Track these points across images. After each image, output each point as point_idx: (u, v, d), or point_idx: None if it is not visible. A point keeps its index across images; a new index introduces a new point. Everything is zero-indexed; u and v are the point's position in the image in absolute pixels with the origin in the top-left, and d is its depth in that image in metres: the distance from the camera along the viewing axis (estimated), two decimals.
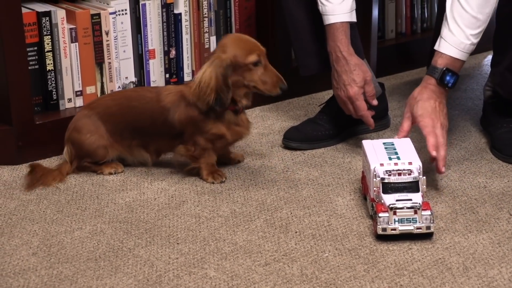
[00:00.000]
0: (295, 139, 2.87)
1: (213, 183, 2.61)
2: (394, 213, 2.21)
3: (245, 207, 2.47)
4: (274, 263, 2.18)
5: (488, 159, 2.74)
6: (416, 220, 2.22)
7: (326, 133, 2.89)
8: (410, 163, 2.30)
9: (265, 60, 2.54)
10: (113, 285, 2.09)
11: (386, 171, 2.27)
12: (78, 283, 2.11)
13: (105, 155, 2.66)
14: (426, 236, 2.24)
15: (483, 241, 2.26)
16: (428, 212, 2.22)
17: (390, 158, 2.32)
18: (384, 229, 2.21)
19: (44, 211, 2.47)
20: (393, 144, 2.42)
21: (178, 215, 2.43)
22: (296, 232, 2.33)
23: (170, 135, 2.62)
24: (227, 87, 2.50)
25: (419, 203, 2.22)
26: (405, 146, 2.41)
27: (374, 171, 2.28)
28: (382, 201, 2.24)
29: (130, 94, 2.70)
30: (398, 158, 2.33)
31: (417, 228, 2.22)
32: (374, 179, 2.28)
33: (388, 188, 2.26)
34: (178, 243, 2.28)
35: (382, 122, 2.99)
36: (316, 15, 2.78)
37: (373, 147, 2.40)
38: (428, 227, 2.23)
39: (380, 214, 2.21)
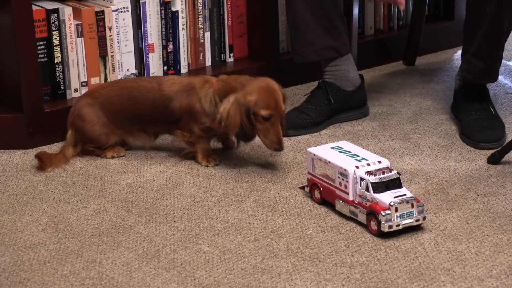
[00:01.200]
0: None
1: (207, 166, 2.60)
2: (396, 210, 2.15)
3: (236, 188, 2.47)
4: (263, 239, 2.18)
5: (458, 144, 2.74)
6: (413, 213, 2.17)
7: (311, 121, 2.89)
8: (379, 162, 2.25)
9: (276, 119, 2.47)
10: (115, 259, 2.09)
11: (367, 172, 2.21)
12: (84, 256, 2.11)
13: (107, 140, 2.65)
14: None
15: (453, 219, 2.27)
16: (420, 203, 2.18)
17: (359, 160, 2.26)
18: (390, 226, 2.14)
19: (52, 191, 2.47)
20: (342, 147, 2.35)
21: (175, 195, 2.43)
22: (282, 211, 2.33)
23: (168, 122, 2.61)
24: (252, 124, 2.47)
25: (413, 197, 2.18)
26: (353, 148, 2.35)
27: (355, 174, 2.22)
28: (377, 200, 2.17)
29: (130, 85, 2.68)
30: (364, 159, 2.27)
31: (416, 220, 2.18)
32: (358, 182, 2.21)
33: (377, 187, 2.19)
34: (174, 221, 2.28)
35: (361, 111, 2.99)
36: (314, 8, 2.81)
37: (327, 153, 2.32)
38: (424, 218, 2.18)
39: (383, 213, 2.14)
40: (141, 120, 2.63)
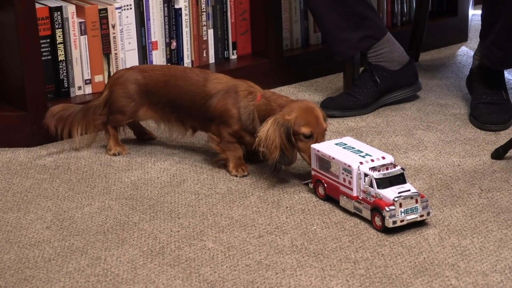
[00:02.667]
0: (330, 108, 2.94)
1: (236, 176, 2.52)
2: (400, 205, 2.14)
3: (240, 185, 2.47)
4: (267, 235, 2.18)
5: (462, 140, 2.74)
6: (418, 208, 2.17)
7: (357, 103, 2.95)
8: (383, 158, 2.25)
9: (319, 137, 2.39)
10: (120, 256, 2.10)
11: (371, 168, 2.21)
12: (88, 253, 2.11)
13: (133, 118, 2.65)
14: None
15: (457, 214, 2.27)
16: (425, 199, 2.18)
17: (363, 156, 2.26)
18: (394, 222, 2.14)
19: (56, 189, 2.47)
20: (346, 143, 2.35)
21: (179, 192, 2.43)
22: (287, 207, 2.33)
23: (204, 119, 2.56)
24: (292, 145, 2.40)
25: (418, 192, 2.18)
26: (357, 144, 2.35)
27: (359, 170, 2.22)
28: (381, 196, 2.17)
29: (179, 73, 2.61)
30: (368, 154, 2.27)
31: (420, 216, 2.17)
32: (362, 178, 2.21)
33: (381, 183, 2.18)
34: (179, 218, 2.28)
35: (412, 88, 3.06)
36: (338, 8, 2.89)
37: (331, 149, 2.32)
38: (428, 213, 2.18)
39: (387, 208, 2.13)
40: (180, 110, 2.59)
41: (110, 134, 2.68)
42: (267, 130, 2.39)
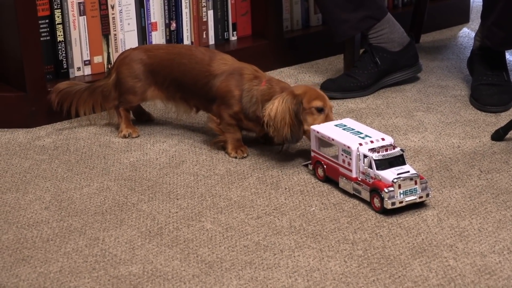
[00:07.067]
0: (330, 89, 2.93)
1: (235, 157, 2.52)
2: (399, 187, 2.15)
3: (239, 166, 2.47)
4: (265, 216, 2.19)
5: (462, 122, 2.74)
6: (417, 190, 2.17)
7: (358, 84, 2.95)
8: (383, 139, 2.26)
9: (329, 111, 2.41)
10: (118, 236, 2.10)
11: (370, 149, 2.21)
12: (87, 234, 2.12)
13: (141, 99, 2.67)
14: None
15: (456, 195, 2.27)
16: (424, 180, 2.18)
17: (362, 138, 2.26)
18: (393, 203, 2.14)
19: (55, 170, 2.47)
20: (345, 125, 2.35)
21: (178, 173, 2.44)
22: (285, 189, 2.33)
23: (206, 98, 2.56)
24: (299, 122, 2.41)
25: (417, 174, 2.18)
26: (357, 125, 2.35)
27: (358, 151, 2.22)
28: (380, 177, 2.17)
29: (184, 51, 2.62)
30: (367, 136, 2.27)
31: (419, 197, 2.18)
32: (361, 159, 2.21)
33: (381, 164, 2.18)
34: (177, 199, 2.29)
35: (412, 69, 3.05)
36: None
37: (330, 131, 2.32)
38: (427, 194, 2.18)
39: (386, 190, 2.13)
40: (184, 89, 2.60)
41: (122, 116, 2.69)
42: (276, 108, 2.38)
